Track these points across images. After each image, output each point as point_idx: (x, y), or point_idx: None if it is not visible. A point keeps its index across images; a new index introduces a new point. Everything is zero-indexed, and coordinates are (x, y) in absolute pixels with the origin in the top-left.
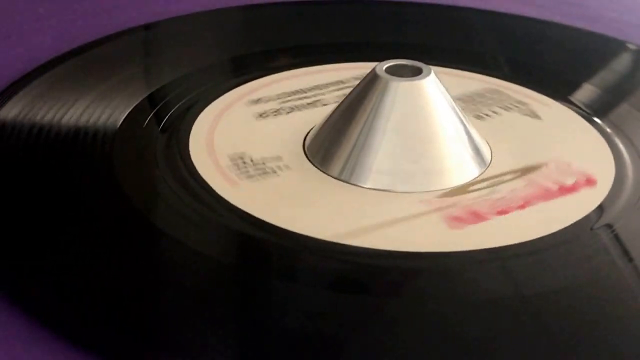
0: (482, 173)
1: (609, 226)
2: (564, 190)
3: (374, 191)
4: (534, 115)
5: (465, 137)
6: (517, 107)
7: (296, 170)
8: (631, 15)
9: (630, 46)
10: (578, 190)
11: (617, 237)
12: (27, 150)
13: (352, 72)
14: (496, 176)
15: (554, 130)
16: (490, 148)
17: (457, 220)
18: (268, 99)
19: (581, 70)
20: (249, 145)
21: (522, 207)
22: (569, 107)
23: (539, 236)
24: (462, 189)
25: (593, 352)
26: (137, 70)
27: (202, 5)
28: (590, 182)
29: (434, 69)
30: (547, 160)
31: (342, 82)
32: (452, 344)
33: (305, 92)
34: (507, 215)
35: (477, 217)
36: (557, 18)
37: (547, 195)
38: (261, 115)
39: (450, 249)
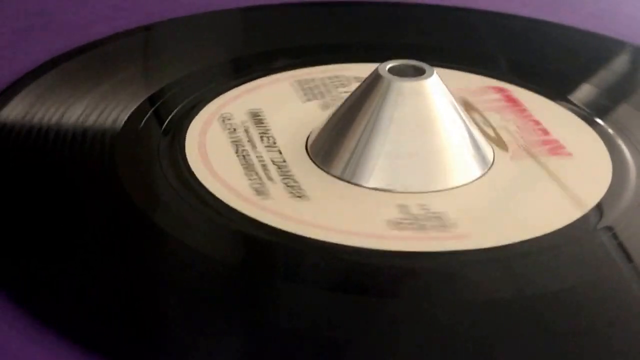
0: (484, 173)
1: (609, 227)
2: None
3: (376, 191)
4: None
5: (467, 138)
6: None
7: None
8: (631, 15)
9: (630, 46)
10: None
11: (617, 238)
12: (28, 152)
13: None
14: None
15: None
16: (492, 149)
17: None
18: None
19: (581, 71)
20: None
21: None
22: (568, 108)
23: (538, 236)
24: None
25: (593, 353)
26: (138, 71)
27: (204, 7)
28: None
29: (436, 69)
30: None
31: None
32: (451, 344)
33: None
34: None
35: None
36: (557, 18)
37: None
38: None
39: (453, 249)
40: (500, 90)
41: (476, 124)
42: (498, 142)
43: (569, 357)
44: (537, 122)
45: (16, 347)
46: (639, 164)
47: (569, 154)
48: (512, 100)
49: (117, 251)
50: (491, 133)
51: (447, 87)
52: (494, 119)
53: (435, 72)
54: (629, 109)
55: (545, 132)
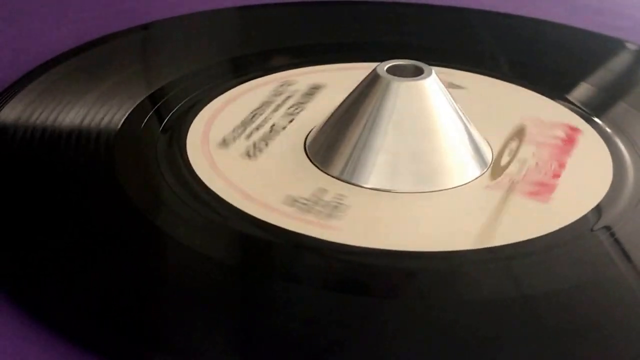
0: (483, 173)
1: (608, 227)
2: (566, 141)
3: (375, 191)
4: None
5: (466, 137)
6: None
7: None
8: (630, 14)
9: (629, 45)
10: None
11: (616, 238)
12: (28, 151)
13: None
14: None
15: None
16: (491, 148)
17: (534, 195)
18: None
19: (580, 70)
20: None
21: (561, 165)
22: (567, 107)
23: (538, 236)
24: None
25: (592, 353)
26: (137, 70)
27: (203, 5)
28: (574, 129)
29: (434, 69)
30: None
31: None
32: (451, 344)
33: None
34: (560, 178)
35: (545, 186)
36: (555, 17)
37: (560, 147)
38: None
39: (451, 249)
40: (573, 130)
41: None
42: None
43: (568, 357)
44: (562, 165)
45: (15, 346)
46: (637, 163)
47: (547, 200)
48: (570, 142)
49: (115, 250)
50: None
51: (445, 86)
52: (527, 149)
53: (433, 71)
54: (628, 108)
55: (557, 175)
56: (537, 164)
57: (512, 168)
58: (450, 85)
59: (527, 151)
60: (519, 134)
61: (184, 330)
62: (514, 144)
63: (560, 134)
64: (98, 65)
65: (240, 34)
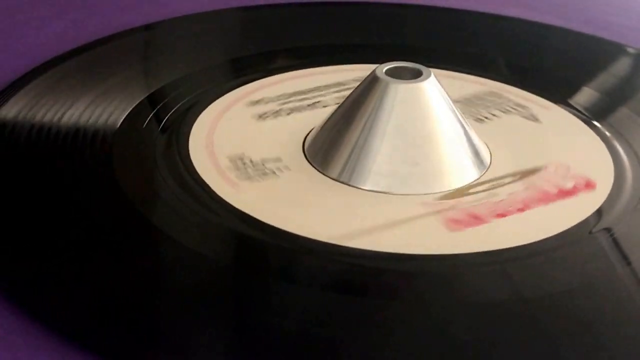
0: (481, 176)
1: (608, 230)
2: (563, 193)
3: (373, 193)
4: (534, 118)
5: (464, 140)
6: (516, 110)
7: (296, 171)
8: (631, 18)
9: (630, 50)
10: (577, 194)
11: (615, 241)
12: (27, 150)
13: (352, 74)
14: (495, 179)
15: (553, 133)
16: (489, 151)
17: (456, 223)
18: (268, 100)
19: (581, 74)
20: (248, 146)
21: (521, 210)
22: (568, 111)
23: (537, 239)
24: (461, 192)
25: (591, 356)
26: (137, 70)
27: (203, 6)
28: (589, 185)
29: (433, 71)
30: (546, 164)
31: (342, 83)
32: (450, 347)
33: (305, 94)
34: (506, 218)
35: (476, 219)
36: (557, 21)
37: (546, 198)
38: (261, 116)
39: (449, 252)
40: (589, 185)
41: (473, 126)
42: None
43: (568, 359)
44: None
45: (14, 346)
46: (636, 167)
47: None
48: (589, 186)
49: (113, 250)
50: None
51: (444, 89)
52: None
53: (432, 74)
54: (629, 112)
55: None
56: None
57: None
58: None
59: (513, 187)
60: (528, 173)
61: (183, 330)
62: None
63: (569, 184)
64: (99, 65)
65: (241, 35)
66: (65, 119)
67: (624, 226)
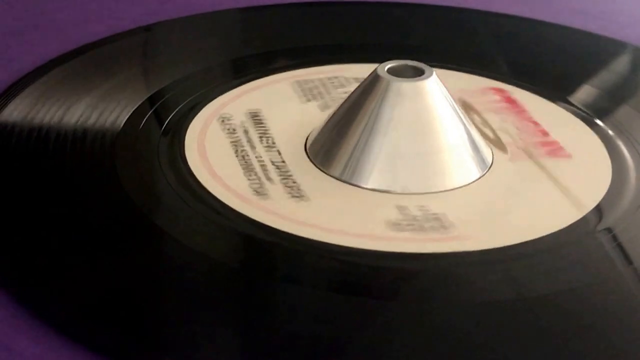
0: (483, 175)
1: (609, 228)
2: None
3: (375, 192)
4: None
5: (466, 139)
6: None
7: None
8: (631, 16)
9: (631, 47)
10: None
11: (616, 240)
12: (29, 152)
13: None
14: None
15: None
16: (491, 150)
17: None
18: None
19: (581, 72)
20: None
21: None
22: (568, 109)
23: (537, 238)
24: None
25: (592, 355)
26: (138, 71)
27: (203, 7)
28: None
29: (435, 70)
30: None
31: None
32: (450, 346)
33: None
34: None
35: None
36: (557, 19)
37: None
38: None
39: (449, 251)
40: (500, 91)
41: (475, 125)
42: (497, 143)
43: (569, 359)
44: (537, 124)
45: (14, 345)
46: (638, 165)
47: (569, 155)
48: (511, 102)
49: (116, 251)
50: (490, 134)
51: (446, 87)
52: (494, 120)
53: (434, 72)
54: (629, 110)
55: (545, 133)
56: (517, 128)
57: (507, 138)
58: None
59: (493, 120)
60: (468, 108)
61: (185, 330)
62: (475, 117)
63: (495, 97)
64: (100, 66)
65: (241, 35)
66: (66, 120)
67: (626, 224)
